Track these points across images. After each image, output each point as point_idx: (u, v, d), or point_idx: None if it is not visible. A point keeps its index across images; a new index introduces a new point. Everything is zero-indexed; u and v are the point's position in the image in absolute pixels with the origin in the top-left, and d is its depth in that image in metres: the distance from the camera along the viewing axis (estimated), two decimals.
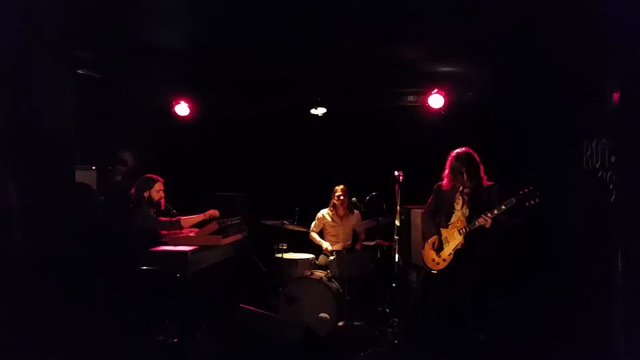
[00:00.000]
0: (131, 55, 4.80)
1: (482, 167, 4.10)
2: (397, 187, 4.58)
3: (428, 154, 4.95)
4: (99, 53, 4.66)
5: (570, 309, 4.20)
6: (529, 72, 4.98)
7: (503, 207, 3.81)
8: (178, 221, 4.60)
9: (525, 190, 3.74)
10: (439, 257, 4.18)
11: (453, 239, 4.09)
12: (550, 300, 4.43)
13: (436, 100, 5.70)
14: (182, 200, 5.01)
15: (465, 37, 4.22)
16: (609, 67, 3.70)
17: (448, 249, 4.12)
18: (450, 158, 4.19)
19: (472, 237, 4.00)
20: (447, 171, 4.21)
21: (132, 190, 4.60)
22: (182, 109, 6.12)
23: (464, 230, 4.02)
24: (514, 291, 4.71)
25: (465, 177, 4.08)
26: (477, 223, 3.91)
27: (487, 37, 4.18)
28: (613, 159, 3.61)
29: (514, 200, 3.77)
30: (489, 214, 3.83)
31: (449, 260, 4.10)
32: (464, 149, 4.16)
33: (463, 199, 4.11)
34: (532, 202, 3.70)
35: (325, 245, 5.63)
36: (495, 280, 4.53)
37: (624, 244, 3.38)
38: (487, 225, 3.85)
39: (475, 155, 4.12)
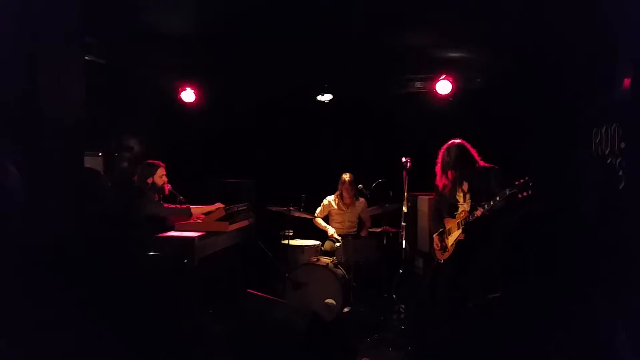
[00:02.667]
0: (137, 42, 4.78)
1: (476, 156, 4.00)
2: (404, 173, 4.55)
3: (436, 141, 4.91)
4: (105, 39, 4.64)
5: (576, 297, 4.19)
6: (538, 58, 4.91)
7: (497, 198, 3.73)
8: (188, 208, 4.57)
9: (521, 180, 3.63)
10: (443, 246, 4.19)
11: (456, 230, 4.09)
12: (556, 289, 4.41)
13: (444, 87, 5.66)
14: (188, 186, 5.01)
15: (474, 23, 4.17)
16: (620, 53, 3.64)
17: (451, 239, 4.12)
18: (440, 153, 4.10)
19: (472, 228, 3.97)
20: (438, 166, 4.13)
21: (135, 178, 4.57)
22: (188, 95, 6.11)
23: (463, 222, 4.00)
24: (519, 281, 4.69)
25: (456, 172, 4.00)
26: (475, 214, 3.88)
27: (495, 23, 4.12)
28: (623, 145, 3.57)
29: (507, 191, 3.68)
30: (485, 206, 3.80)
31: (452, 251, 4.11)
32: (454, 141, 4.05)
33: (463, 191, 4.06)
34: (525, 193, 3.60)
35: (331, 231, 5.62)
36: (499, 271, 4.50)
37: (634, 231, 3.36)
38: (479, 215, 3.81)
39: (467, 145, 4.01)
